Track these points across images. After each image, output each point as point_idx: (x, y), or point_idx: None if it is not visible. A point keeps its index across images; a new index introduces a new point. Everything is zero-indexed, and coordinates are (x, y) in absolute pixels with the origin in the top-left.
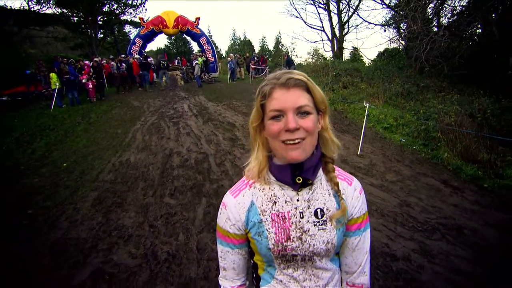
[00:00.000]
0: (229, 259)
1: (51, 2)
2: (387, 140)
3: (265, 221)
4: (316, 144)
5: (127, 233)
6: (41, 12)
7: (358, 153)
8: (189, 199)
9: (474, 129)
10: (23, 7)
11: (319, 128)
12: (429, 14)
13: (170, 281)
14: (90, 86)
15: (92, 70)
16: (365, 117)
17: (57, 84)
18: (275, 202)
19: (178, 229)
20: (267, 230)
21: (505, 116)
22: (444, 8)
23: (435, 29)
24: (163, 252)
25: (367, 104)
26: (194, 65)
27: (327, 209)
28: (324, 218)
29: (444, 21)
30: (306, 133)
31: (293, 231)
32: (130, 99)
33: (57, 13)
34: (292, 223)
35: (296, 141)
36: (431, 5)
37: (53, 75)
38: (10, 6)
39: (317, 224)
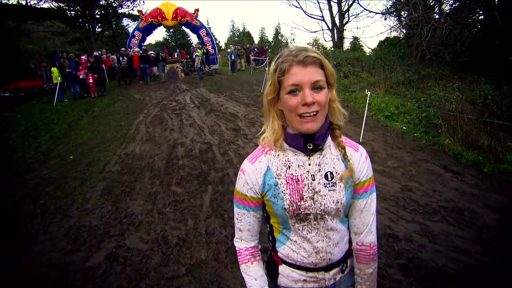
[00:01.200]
0: (245, 221)
1: None
2: (388, 128)
3: (280, 184)
4: None
5: (137, 220)
6: (37, 6)
7: (360, 140)
8: (196, 187)
9: (475, 115)
10: (19, 1)
11: (328, 100)
12: (430, 1)
13: (182, 262)
14: (91, 81)
15: (90, 65)
16: (367, 105)
17: (59, 79)
18: (289, 167)
19: (186, 215)
20: (282, 192)
21: (506, 102)
22: None
23: (437, 16)
24: (173, 236)
25: (369, 92)
26: (194, 57)
27: (336, 172)
28: (333, 180)
29: (446, 7)
30: (320, 106)
31: (305, 192)
32: (132, 92)
33: (54, 7)
34: (305, 184)
35: (312, 114)
36: None
37: (54, 70)
38: (7, 1)
39: (328, 185)
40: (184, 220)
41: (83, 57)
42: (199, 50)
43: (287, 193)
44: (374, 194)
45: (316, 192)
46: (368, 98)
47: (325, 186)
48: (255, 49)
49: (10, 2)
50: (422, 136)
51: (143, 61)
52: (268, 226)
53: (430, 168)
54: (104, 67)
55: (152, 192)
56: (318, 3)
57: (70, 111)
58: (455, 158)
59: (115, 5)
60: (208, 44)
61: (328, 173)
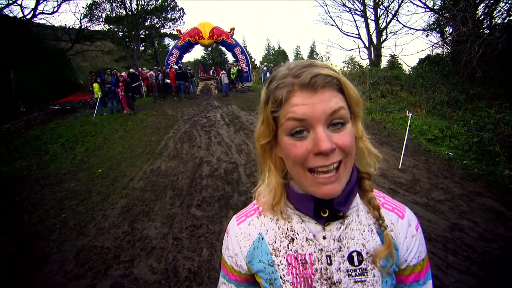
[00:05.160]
0: None
1: (100, 19)
2: (432, 153)
3: (278, 265)
4: None
5: (150, 244)
6: (91, 29)
7: (399, 167)
8: (216, 211)
9: None
10: (74, 25)
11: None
12: (479, 14)
13: None
14: (120, 97)
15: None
16: (408, 128)
17: (99, 94)
18: (293, 239)
19: (202, 243)
20: (281, 277)
21: None
22: (499, 7)
23: (487, 31)
24: (185, 269)
25: (410, 114)
26: (220, 75)
27: (367, 253)
28: (363, 266)
29: (499, 21)
30: (344, 153)
31: (317, 281)
32: (166, 108)
33: (105, 29)
34: (316, 270)
35: (331, 167)
36: (482, 4)
37: (95, 85)
38: (65, 24)
39: (353, 273)
40: (199, 249)
41: (123, 73)
42: (233, 68)
43: (288, 281)
44: (430, 283)
45: (334, 284)
46: (409, 120)
47: (349, 275)
48: None
49: (67, 25)
50: (473, 164)
51: (178, 78)
52: None
53: (486, 204)
54: (141, 83)
55: (171, 213)
56: (355, 21)
57: (106, 125)
58: None
59: (158, 25)
60: (242, 62)
61: (355, 254)
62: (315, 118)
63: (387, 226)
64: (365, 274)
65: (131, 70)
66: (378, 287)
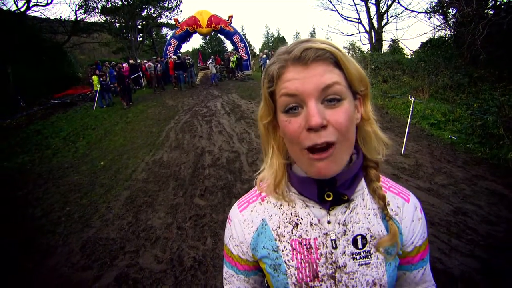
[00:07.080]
0: (234, 285)
1: (96, 10)
2: (435, 137)
3: (282, 250)
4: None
5: (155, 235)
6: (87, 20)
7: (402, 152)
8: (219, 200)
9: None
10: (70, 17)
11: (358, 120)
12: None
13: None
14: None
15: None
16: (410, 112)
17: (98, 86)
18: (297, 224)
19: (206, 232)
20: (285, 262)
21: None
22: None
23: (492, 11)
24: (189, 257)
25: (413, 98)
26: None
27: (371, 236)
28: (367, 248)
29: (504, 0)
30: (338, 132)
31: (322, 266)
32: (166, 99)
33: (102, 21)
34: (321, 254)
35: (323, 145)
36: None
37: (94, 78)
38: (60, 16)
39: (357, 256)
40: (203, 238)
41: (125, 64)
42: (233, 56)
43: (292, 267)
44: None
45: (339, 268)
46: (412, 105)
47: (354, 258)
48: None
49: (62, 17)
50: (477, 148)
51: (177, 68)
52: None
53: (490, 187)
54: (141, 74)
55: (174, 203)
56: (355, 5)
57: (107, 117)
58: None
59: (155, 15)
60: (241, 50)
61: (359, 238)
62: (307, 92)
63: (392, 209)
64: (369, 256)
65: (131, 61)
66: (382, 269)
